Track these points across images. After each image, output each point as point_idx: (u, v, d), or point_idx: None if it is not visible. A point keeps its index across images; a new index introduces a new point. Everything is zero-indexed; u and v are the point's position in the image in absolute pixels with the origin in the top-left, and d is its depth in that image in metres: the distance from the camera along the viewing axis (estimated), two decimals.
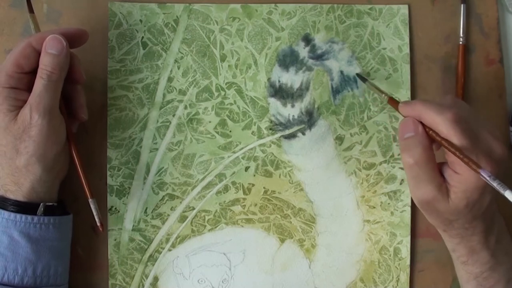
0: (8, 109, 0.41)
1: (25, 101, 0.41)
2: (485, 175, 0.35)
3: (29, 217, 0.42)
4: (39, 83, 0.41)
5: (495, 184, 0.34)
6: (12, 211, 0.42)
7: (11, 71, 0.41)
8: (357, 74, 0.50)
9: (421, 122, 0.40)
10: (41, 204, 0.43)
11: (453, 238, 0.42)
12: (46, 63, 0.41)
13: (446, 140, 0.38)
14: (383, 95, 0.45)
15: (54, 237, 0.43)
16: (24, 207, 0.42)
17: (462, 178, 0.38)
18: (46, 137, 0.41)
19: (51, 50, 0.41)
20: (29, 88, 0.42)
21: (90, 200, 0.45)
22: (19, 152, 0.41)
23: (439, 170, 0.40)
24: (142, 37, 0.49)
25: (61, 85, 0.43)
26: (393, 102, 0.44)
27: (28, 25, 0.48)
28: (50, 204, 0.44)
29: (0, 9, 0.49)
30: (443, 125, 0.38)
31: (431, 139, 0.39)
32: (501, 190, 0.34)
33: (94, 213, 0.44)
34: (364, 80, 0.49)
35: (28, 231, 0.42)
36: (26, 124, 0.41)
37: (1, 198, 0.42)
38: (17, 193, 0.42)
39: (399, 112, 0.42)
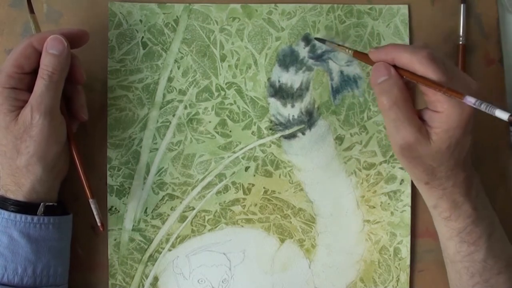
0: (8, 109, 0.41)
1: (25, 101, 0.41)
2: (472, 100, 0.35)
3: (29, 217, 0.42)
4: (40, 84, 0.41)
5: (483, 106, 0.34)
6: (12, 211, 0.42)
7: (11, 72, 0.41)
8: (316, 38, 0.49)
9: (393, 65, 0.40)
10: (41, 204, 0.43)
11: (436, 191, 0.41)
12: (47, 64, 0.41)
13: (425, 78, 0.38)
14: (347, 50, 0.45)
15: (54, 237, 0.43)
16: (24, 207, 0.42)
17: (444, 116, 0.38)
18: (46, 137, 0.41)
19: (52, 50, 0.41)
20: (29, 89, 0.42)
21: (90, 200, 0.45)
22: (20, 152, 0.41)
23: (417, 114, 0.40)
24: (142, 37, 0.49)
25: (62, 85, 0.43)
26: (359, 55, 0.43)
27: (28, 25, 0.48)
28: (50, 204, 0.44)
29: (0, 9, 0.49)
30: (419, 63, 0.38)
31: (405, 81, 0.39)
32: (491, 111, 0.34)
33: (95, 213, 0.44)
34: (323, 41, 0.48)
35: (28, 231, 0.42)
36: (27, 124, 0.41)
37: (2, 198, 0.42)
38: (18, 193, 0.42)
39: (367, 62, 0.42)
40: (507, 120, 0.33)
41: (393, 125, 0.39)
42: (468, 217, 0.41)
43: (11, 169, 0.42)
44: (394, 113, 0.39)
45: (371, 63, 0.41)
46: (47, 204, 0.43)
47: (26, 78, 0.42)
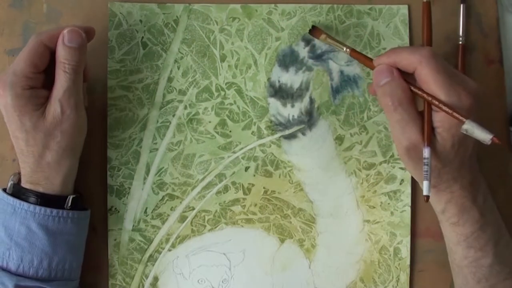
0: (33, 109, 0.41)
1: (45, 98, 0.42)
2: (471, 124, 0.36)
3: (48, 209, 0.42)
4: (65, 78, 0.41)
5: (478, 131, 0.36)
6: (33, 203, 0.42)
7: (28, 72, 0.41)
8: (313, 28, 0.48)
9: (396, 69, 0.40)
10: (69, 197, 0.43)
11: (443, 195, 0.41)
12: (68, 57, 0.42)
13: (430, 95, 0.38)
14: (345, 48, 0.45)
15: (71, 231, 0.44)
16: (47, 200, 0.42)
17: (444, 114, 0.38)
18: (77, 129, 0.43)
19: (71, 43, 0.42)
20: (44, 86, 0.42)
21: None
22: (50, 148, 0.42)
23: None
24: (142, 37, 0.49)
25: (82, 78, 0.43)
26: (357, 55, 0.44)
27: (28, 25, 0.48)
28: (75, 196, 0.44)
29: (0, 9, 0.49)
30: (418, 62, 0.38)
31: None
32: (487, 136, 0.35)
33: None
34: (320, 32, 0.47)
35: (46, 223, 0.42)
36: (58, 119, 0.41)
37: (25, 190, 0.42)
38: (47, 187, 0.43)
39: (364, 63, 0.42)
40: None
41: (398, 126, 0.40)
42: (476, 223, 0.41)
43: (40, 167, 0.42)
44: (399, 114, 0.39)
45: (369, 64, 0.42)
46: (73, 196, 0.44)
47: (41, 77, 0.42)
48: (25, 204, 0.42)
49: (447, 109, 0.37)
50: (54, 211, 0.42)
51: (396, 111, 0.39)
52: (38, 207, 0.42)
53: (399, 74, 0.40)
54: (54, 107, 0.41)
